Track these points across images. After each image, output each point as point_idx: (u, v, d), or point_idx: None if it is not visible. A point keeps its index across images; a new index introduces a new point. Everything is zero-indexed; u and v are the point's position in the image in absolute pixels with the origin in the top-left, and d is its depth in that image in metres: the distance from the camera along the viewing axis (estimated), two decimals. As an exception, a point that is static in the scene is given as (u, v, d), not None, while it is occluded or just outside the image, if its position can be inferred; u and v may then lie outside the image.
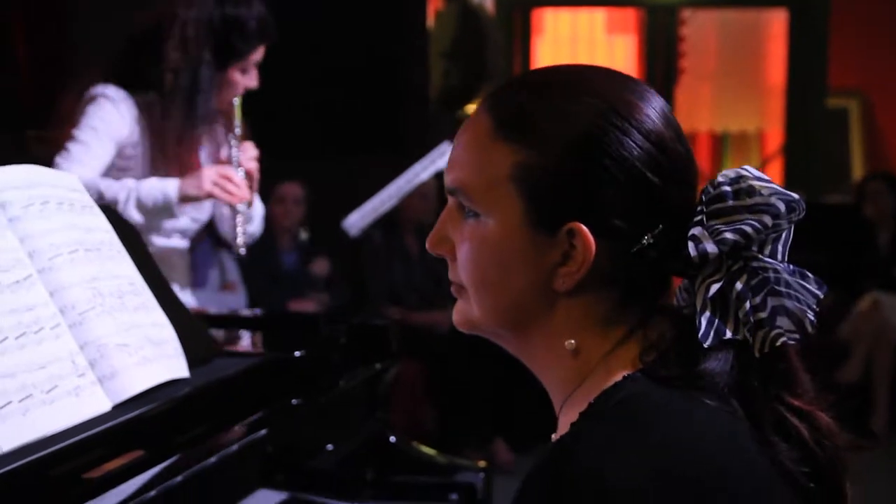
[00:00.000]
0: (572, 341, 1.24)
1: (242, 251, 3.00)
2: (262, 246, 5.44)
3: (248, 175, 2.98)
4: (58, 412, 1.56)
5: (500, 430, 5.40)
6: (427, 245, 1.30)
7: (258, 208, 3.13)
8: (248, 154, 3.00)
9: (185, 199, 2.86)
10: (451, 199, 1.28)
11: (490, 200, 1.23)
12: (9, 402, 1.49)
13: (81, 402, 1.61)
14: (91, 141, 2.85)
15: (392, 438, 2.35)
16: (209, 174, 2.86)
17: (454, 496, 2.29)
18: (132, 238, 1.91)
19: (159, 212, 2.87)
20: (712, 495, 1.13)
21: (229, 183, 2.87)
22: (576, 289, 1.22)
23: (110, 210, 1.89)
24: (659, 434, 1.15)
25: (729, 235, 1.19)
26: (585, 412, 1.19)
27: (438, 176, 5.60)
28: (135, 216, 2.84)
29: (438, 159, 4.84)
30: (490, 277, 1.24)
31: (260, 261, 5.42)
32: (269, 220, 5.49)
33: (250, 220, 3.06)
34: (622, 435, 1.15)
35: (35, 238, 1.67)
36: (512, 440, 5.39)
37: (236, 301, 4.88)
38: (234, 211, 2.99)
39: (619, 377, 1.21)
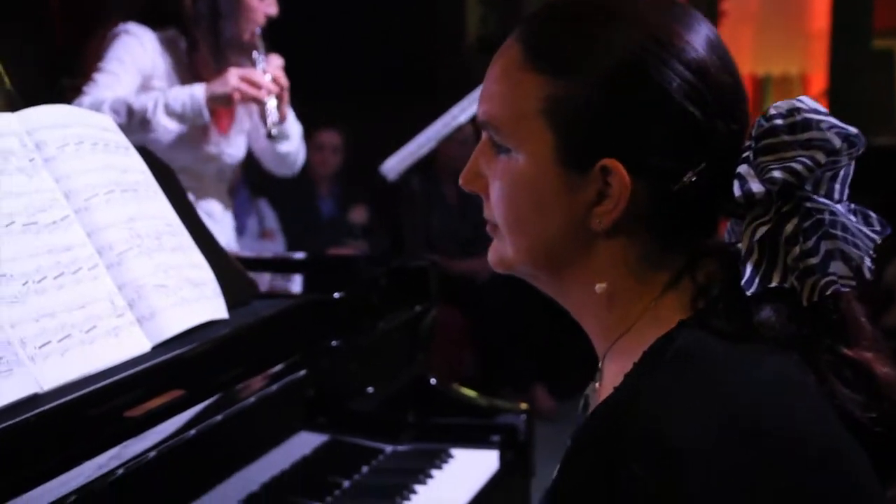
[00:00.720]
0: (602, 284, 1.19)
1: (275, 133, 2.99)
2: (301, 194, 5.45)
3: (276, 81, 2.97)
4: (97, 352, 1.55)
5: (541, 377, 5.39)
6: (460, 181, 1.25)
7: (294, 127, 3.14)
8: (274, 63, 3.02)
9: (212, 99, 2.89)
10: (484, 134, 1.23)
11: (520, 135, 1.18)
12: (48, 342, 1.48)
13: (120, 342, 1.60)
14: (117, 70, 2.91)
15: (433, 380, 2.34)
16: (234, 72, 2.89)
17: (495, 438, 2.27)
18: (168, 179, 1.89)
19: (189, 118, 2.88)
20: (784, 449, 1.08)
21: (255, 79, 2.90)
22: (614, 229, 1.17)
23: (146, 151, 1.87)
24: (723, 386, 1.10)
25: (777, 174, 1.12)
26: (640, 363, 1.13)
27: (476, 122, 5.56)
28: (165, 123, 2.87)
29: (476, 102, 4.80)
30: (522, 216, 1.19)
31: (298, 209, 5.42)
32: (306, 167, 5.49)
33: (282, 128, 3.05)
34: (684, 389, 1.09)
35: (71, 178, 1.66)
36: (553, 387, 5.38)
37: (275, 249, 4.89)
38: (262, 108, 2.99)
39: (670, 325, 1.15)
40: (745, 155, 1.15)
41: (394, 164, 4.07)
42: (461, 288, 5.17)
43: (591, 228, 1.17)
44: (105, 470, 1.41)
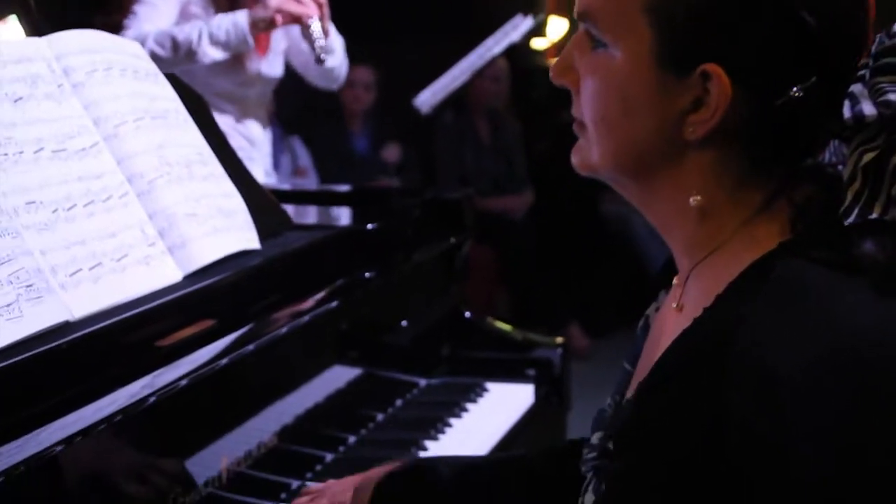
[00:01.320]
0: (698, 197, 1.13)
1: (324, 57, 2.99)
2: (333, 131, 5.41)
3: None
4: (128, 281, 1.53)
5: (575, 316, 5.36)
6: (551, 74, 1.19)
7: (337, 40, 3.15)
8: None
9: (255, 24, 2.89)
10: (580, 27, 1.17)
11: (619, 30, 1.11)
12: (79, 270, 1.46)
13: (152, 271, 1.58)
14: (156, 0, 2.92)
15: (467, 314, 2.31)
16: None
17: (531, 372, 2.25)
18: (199, 108, 1.86)
19: (234, 45, 2.89)
20: (890, 389, 1.01)
21: None
22: (707, 140, 1.10)
23: (176, 79, 1.84)
24: (829, 318, 1.03)
25: (893, 97, 1.04)
26: (736, 286, 1.08)
27: (510, 58, 5.49)
28: (211, 53, 2.89)
29: (511, 32, 4.72)
30: (612, 116, 1.13)
31: (331, 146, 5.39)
32: (339, 104, 5.46)
33: (327, 44, 3.04)
34: (788, 318, 1.03)
35: (100, 105, 1.63)
36: (587, 325, 5.36)
37: (308, 186, 4.86)
38: (307, 30, 2.97)
39: (766, 247, 1.09)
40: (860, 73, 1.07)
41: (427, 97, 4.03)
42: (494, 226, 5.14)
43: (683, 137, 1.11)
44: (137, 398, 1.40)
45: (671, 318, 1.20)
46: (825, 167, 1.15)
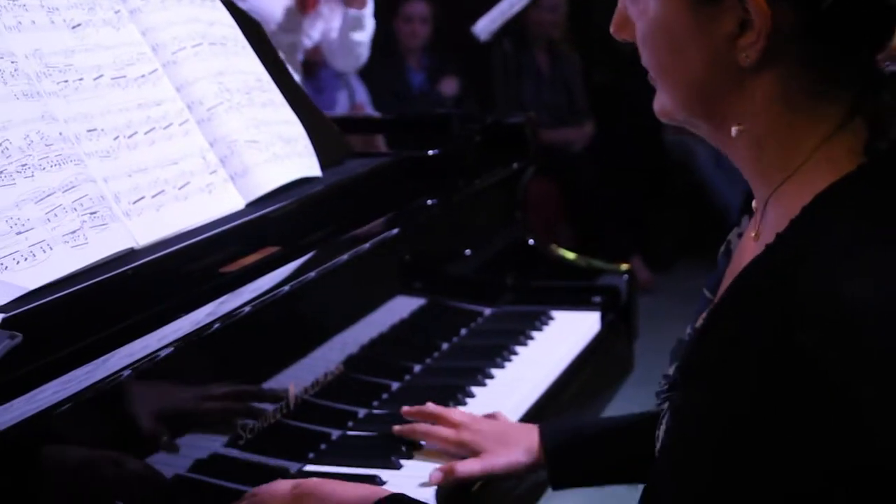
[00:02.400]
0: (740, 126, 1.10)
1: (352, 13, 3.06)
2: (390, 66, 5.37)
3: None
4: (191, 209, 1.52)
5: (637, 249, 5.32)
6: (612, 30, 1.18)
7: (370, 21, 3.16)
8: None
9: None
10: None
11: None
12: (141, 198, 1.45)
13: (214, 198, 1.57)
14: None
15: (531, 241, 2.29)
16: None
17: (597, 299, 2.22)
18: (257, 34, 1.84)
19: None
20: None
21: None
22: (765, 62, 1.06)
23: (232, 5, 1.82)
24: None
25: None
26: (810, 211, 1.04)
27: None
28: None
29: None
30: (664, 59, 1.12)
31: (388, 82, 5.36)
32: (395, 40, 5.41)
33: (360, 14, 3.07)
34: (864, 248, 1.00)
35: (157, 31, 1.61)
36: (649, 259, 5.31)
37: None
38: None
39: (844, 169, 1.06)
40: None
41: (485, 24, 3.98)
42: (554, 159, 5.09)
43: (738, 65, 1.08)
44: (201, 325, 1.39)
45: (749, 247, 1.17)
46: None
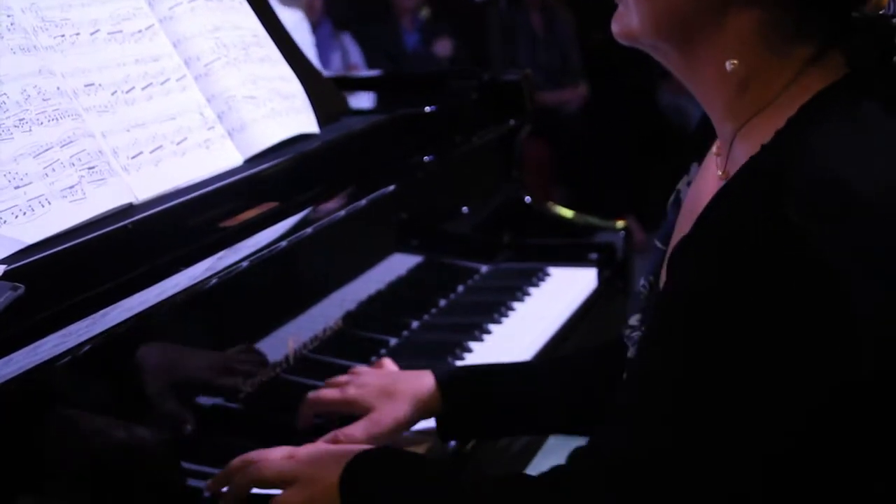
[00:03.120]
0: (734, 61, 1.10)
1: None
2: (385, 27, 5.35)
3: None
4: (189, 164, 1.52)
5: (630, 209, 5.32)
6: None
7: None
8: None
9: None
10: None
11: None
12: (140, 153, 1.45)
13: (212, 154, 1.57)
14: None
15: (528, 199, 2.29)
16: None
17: (593, 256, 2.23)
18: (253, -10, 1.83)
19: None
20: None
21: None
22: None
23: (229, -40, 1.80)
24: None
25: None
26: (799, 116, 1.05)
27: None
28: None
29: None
30: None
31: (382, 42, 5.34)
32: (390, 0, 5.39)
33: None
34: (858, 136, 1.02)
35: (154, -14, 1.60)
36: (643, 219, 5.31)
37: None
38: None
39: (825, 85, 1.07)
40: None
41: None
42: (548, 120, 5.08)
43: None
44: (198, 280, 1.39)
45: (713, 186, 1.16)
46: (880, 18, 1.10)
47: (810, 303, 0.97)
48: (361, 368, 1.60)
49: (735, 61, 1.10)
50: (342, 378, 1.56)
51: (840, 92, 1.06)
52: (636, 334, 1.26)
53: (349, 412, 1.51)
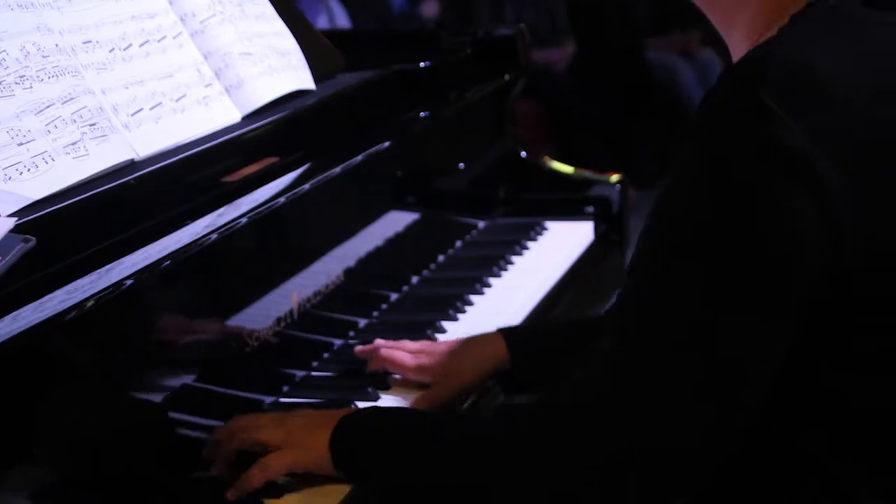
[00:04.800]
0: None
1: None
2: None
3: None
4: (188, 121, 1.52)
5: (620, 167, 5.32)
6: None
7: None
8: None
9: None
10: None
11: None
12: (140, 110, 1.45)
13: (211, 111, 1.57)
14: None
15: (523, 154, 2.29)
16: None
17: (589, 209, 2.23)
18: (246, -54, 1.82)
19: None
20: None
21: None
22: None
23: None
24: (879, 44, 1.07)
25: None
26: (785, 26, 1.08)
27: None
28: None
29: None
30: None
31: (368, 4, 5.31)
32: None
33: None
34: (834, 38, 1.05)
35: (148, -58, 1.59)
36: (633, 177, 5.31)
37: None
38: None
39: None
40: None
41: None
42: (536, 79, 5.07)
43: None
44: (199, 236, 1.39)
45: None
46: None
47: (785, 182, 1.00)
48: (430, 343, 1.61)
49: None
50: (416, 346, 1.58)
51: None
52: None
53: (420, 379, 1.54)
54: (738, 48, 1.16)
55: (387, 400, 1.52)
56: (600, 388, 1.08)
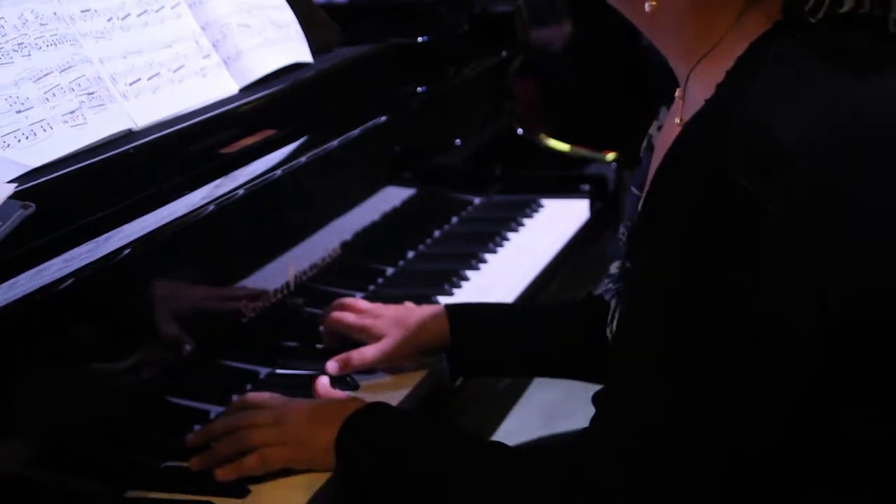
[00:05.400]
0: (653, 2, 1.13)
1: None
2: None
3: None
4: (186, 92, 1.52)
5: (616, 147, 5.33)
6: None
7: None
8: None
9: None
10: None
11: None
12: (138, 80, 1.44)
13: (209, 82, 1.56)
14: None
15: (520, 131, 2.29)
16: None
17: (585, 187, 2.24)
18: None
19: None
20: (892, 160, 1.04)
21: None
22: None
23: None
24: (836, 90, 1.05)
25: None
26: (735, 70, 1.08)
27: None
28: None
29: None
30: None
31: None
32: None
33: None
34: (791, 88, 1.04)
35: (146, -88, 1.58)
36: (628, 157, 5.33)
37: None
38: None
39: (763, 30, 1.09)
40: None
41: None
42: (535, 57, 5.06)
43: None
44: (197, 206, 1.39)
45: (674, 133, 1.18)
46: None
47: (771, 259, 1.00)
48: (380, 304, 1.62)
49: (654, 2, 1.13)
50: (362, 305, 1.60)
51: (774, 41, 1.08)
52: (616, 286, 1.28)
53: (363, 339, 1.55)
54: (678, 65, 1.18)
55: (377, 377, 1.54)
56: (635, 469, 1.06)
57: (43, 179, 1.23)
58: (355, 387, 1.51)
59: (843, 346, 1.03)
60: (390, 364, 1.54)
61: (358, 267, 1.80)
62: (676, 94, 1.23)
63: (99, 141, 1.33)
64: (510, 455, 1.18)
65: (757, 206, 0.99)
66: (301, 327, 1.63)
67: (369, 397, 1.37)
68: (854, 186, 1.03)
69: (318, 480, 1.28)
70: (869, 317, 1.03)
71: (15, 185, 1.15)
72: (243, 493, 1.26)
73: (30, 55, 1.30)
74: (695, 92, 1.14)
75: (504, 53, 2.20)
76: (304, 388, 1.46)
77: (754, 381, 1.03)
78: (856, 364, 1.05)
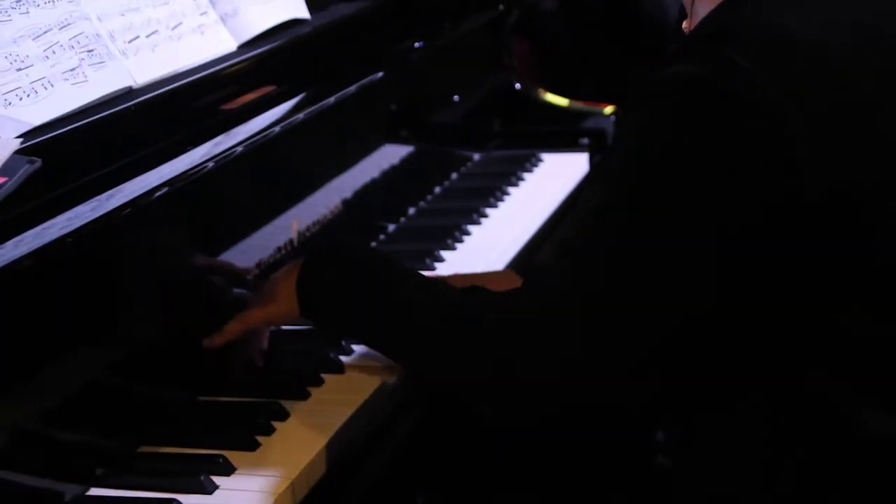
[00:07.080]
0: None
1: None
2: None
3: None
4: (185, 49, 1.51)
5: (612, 103, 5.32)
6: None
7: None
8: None
9: None
10: None
11: None
12: (136, 37, 1.44)
13: (207, 39, 1.56)
14: None
15: (518, 86, 2.28)
16: None
17: (584, 141, 2.24)
18: None
19: None
20: None
21: None
22: None
23: None
24: (854, 10, 1.08)
25: None
26: None
27: None
28: None
29: None
30: None
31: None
32: None
33: None
34: (809, 5, 1.07)
35: None
36: (625, 109, 5.31)
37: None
38: None
39: None
40: None
41: None
42: (529, 14, 5.04)
43: None
44: (197, 164, 1.39)
45: None
46: None
47: (752, 132, 1.03)
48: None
49: None
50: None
51: None
52: None
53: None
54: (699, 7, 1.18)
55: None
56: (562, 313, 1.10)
57: (44, 137, 1.22)
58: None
59: (821, 235, 1.05)
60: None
61: (361, 224, 1.80)
62: (684, 25, 1.23)
63: (99, 99, 1.33)
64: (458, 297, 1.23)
65: (751, 84, 1.01)
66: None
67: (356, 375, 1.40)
68: (862, 95, 1.06)
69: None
70: (846, 207, 1.05)
71: (21, 139, 1.14)
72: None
73: (28, 13, 1.29)
74: (701, 11, 1.16)
75: (501, 7, 2.18)
76: (304, 339, 1.48)
77: (696, 243, 1.06)
78: (835, 254, 1.06)
